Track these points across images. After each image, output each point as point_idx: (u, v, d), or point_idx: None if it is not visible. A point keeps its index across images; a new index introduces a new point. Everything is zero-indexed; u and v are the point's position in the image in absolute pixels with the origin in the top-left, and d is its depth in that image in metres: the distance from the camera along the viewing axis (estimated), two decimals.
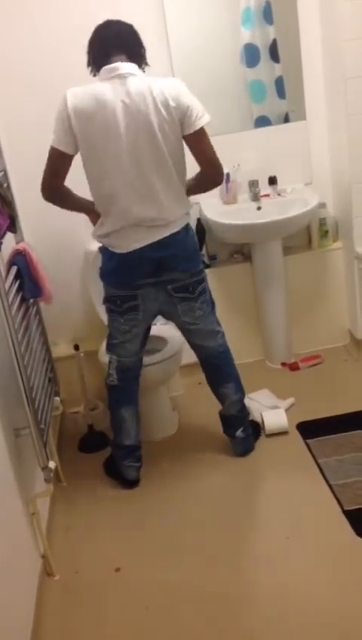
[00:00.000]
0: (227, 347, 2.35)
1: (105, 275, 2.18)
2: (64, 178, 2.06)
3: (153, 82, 1.99)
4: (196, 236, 2.23)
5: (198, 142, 2.05)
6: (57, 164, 2.03)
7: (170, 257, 2.10)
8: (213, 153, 2.08)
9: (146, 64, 2.09)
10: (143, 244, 2.07)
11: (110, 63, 1.99)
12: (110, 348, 2.30)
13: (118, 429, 2.36)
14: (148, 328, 2.33)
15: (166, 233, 2.08)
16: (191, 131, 2.02)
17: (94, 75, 2.06)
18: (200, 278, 2.21)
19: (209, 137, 2.06)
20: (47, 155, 2.03)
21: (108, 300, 2.22)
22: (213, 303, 2.30)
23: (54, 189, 2.08)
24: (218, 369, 2.37)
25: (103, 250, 2.17)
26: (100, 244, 2.18)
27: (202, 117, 2.02)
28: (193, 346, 2.35)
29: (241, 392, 2.42)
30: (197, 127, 2.03)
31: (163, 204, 2.05)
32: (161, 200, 2.04)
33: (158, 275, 2.13)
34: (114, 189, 2.02)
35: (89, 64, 2.08)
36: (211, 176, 2.13)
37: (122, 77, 1.97)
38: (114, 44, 2.02)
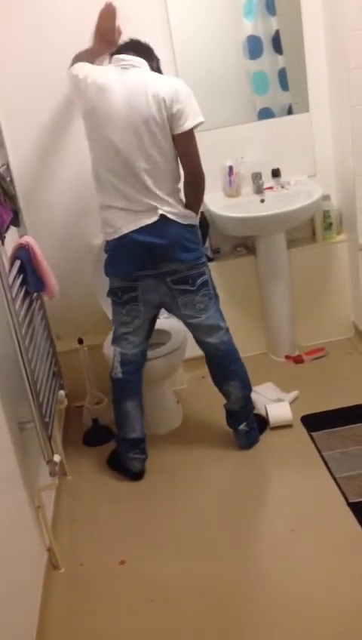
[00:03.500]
0: (231, 344, 2.33)
1: (106, 265, 2.23)
2: None
3: (151, 77, 2.03)
4: (199, 229, 2.22)
5: (184, 144, 2.06)
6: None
7: (163, 246, 2.10)
8: (197, 158, 2.09)
9: (156, 69, 2.13)
10: (130, 228, 2.08)
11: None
12: (114, 340, 2.33)
13: (123, 422, 2.37)
14: (153, 321, 2.33)
15: (154, 218, 2.08)
16: (180, 132, 2.02)
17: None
18: (201, 271, 2.19)
19: (196, 142, 2.06)
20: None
21: (111, 292, 2.27)
22: (216, 297, 2.29)
23: None
24: (221, 366, 2.36)
25: (104, 244, 2.21)
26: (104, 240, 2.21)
27: (192, 119, 2.02)
28: (198, 342, 2.35)
29: (247, 389, 2.40)
30: (185, 129, 2.03)
31: (150, 190, 2.06)
32: (148, 186, 2.05)
33: (157, 267, 2.14)
34: (105, 172, 2.07)
35: None
36: (192, 182, 2.12)
37: (125, 67, 2.02)
38: (127, 47, 2.14)
